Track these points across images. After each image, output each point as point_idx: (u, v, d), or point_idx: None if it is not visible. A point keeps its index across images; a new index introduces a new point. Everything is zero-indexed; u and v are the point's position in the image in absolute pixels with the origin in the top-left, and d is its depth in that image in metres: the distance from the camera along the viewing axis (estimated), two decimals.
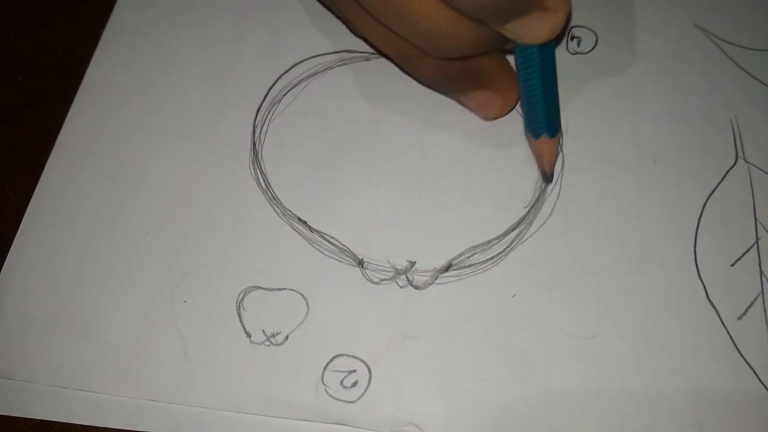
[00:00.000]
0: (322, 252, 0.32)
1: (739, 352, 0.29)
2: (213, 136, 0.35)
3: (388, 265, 0.31)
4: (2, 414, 0.29)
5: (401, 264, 0.31)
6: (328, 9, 0.36)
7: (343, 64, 0.37)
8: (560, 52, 0.37)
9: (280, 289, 0.31)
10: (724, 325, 0.30)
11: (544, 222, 0.32)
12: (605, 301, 0.30)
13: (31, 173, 0.34)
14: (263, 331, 0.30)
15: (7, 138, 0.36)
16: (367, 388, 0.29)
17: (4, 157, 0.35)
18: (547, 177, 0.33)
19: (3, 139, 0.36)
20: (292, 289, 0.31)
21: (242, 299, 0.31)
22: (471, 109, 0.34)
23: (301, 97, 0.36)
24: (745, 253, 0.31)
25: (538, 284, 0.31)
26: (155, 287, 0.31)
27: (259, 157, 0.34)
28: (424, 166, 0.34)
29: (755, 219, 0.32)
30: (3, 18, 0.40)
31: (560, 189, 0.33)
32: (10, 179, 0.35)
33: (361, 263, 0.31)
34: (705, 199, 0.33)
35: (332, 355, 0.30)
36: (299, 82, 0.36)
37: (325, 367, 0.29)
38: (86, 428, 0.29)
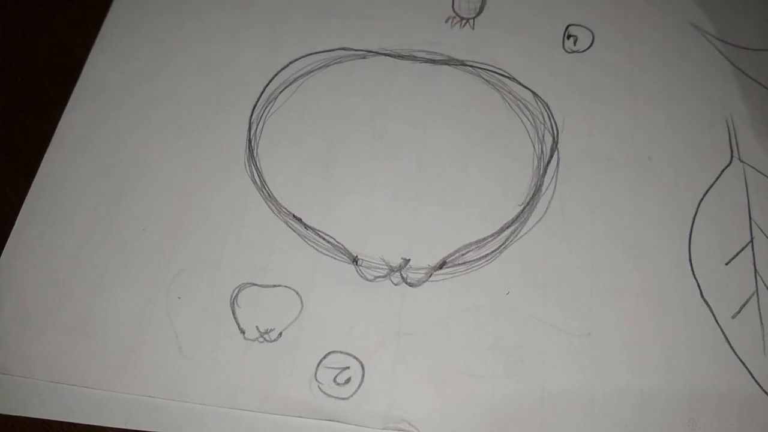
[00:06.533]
0: (316, 249, 0.32)
1: (733, 350, 0.29)
2: (209, 133, 0.35)
3: (383, 263, 0.31)
4: (1, 413, 0.29)
5: (395, 261, 0.31)
6: None
7: (339, 62, 0.37)
8: (557, 51, 0.37)
9: (274, 286, 0.31)
10: (718, 323, 0.30)
11: (539, 220, 0.32)
12: (599, 298, 0.30)
13: (31, 173, 0.34)
14: (257, 327, 0.30)
15: (7, 138, 0.36)
16: (360, 385, 0.29)
17: (4, 157, 0.36)
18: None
19: (3, 139, 0.36)
20: (287, 286, 0.31)
21: (236, 296, 0.31)
22: None
23: (297, 94, 0.36)
24: (739, 251, 0.31)
25: (533, 282, 0.31)
26: (151, 283, 0.31)
27: (255, 155, 0.34)
28: (419, 164, 0.34)
29: (750, 218, 0.32)
30: (3, 19, 0.40)
31: (555, 186, 0.33)
32: (10, 179, 0.35)
33: (355, 260, 0.31)
34: (700, 197, 0.33)
35: (326, 352, 0.30)
36: (295, 80, 0.36)
37: (318, 364, 0.29)
38: (86, 427, 0.29)
